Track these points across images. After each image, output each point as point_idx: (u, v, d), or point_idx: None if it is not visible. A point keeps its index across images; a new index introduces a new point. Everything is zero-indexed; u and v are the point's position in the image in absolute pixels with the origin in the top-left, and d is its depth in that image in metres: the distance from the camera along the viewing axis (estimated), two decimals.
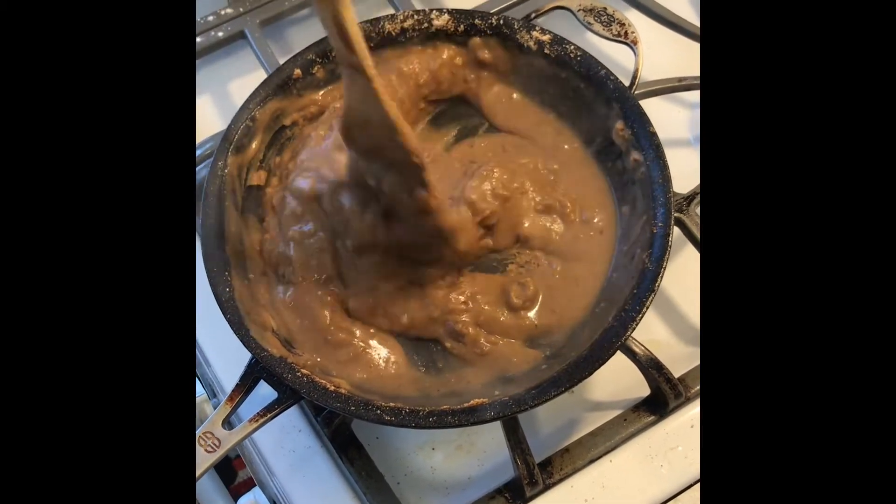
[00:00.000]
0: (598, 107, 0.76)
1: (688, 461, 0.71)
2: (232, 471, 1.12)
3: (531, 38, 0.77)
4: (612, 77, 0.74)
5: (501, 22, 0.78)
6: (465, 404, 0.63)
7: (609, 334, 0.65)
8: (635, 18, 0.84)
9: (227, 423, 0.63)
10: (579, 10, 0.80)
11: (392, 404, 0.63)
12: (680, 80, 0.84)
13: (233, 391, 0.65)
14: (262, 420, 0.63)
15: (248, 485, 0.83)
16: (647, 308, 0.65)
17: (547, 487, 0.71)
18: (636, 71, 0.76)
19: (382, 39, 0.79)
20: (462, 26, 0.79)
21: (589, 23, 0.79)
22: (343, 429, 0.73)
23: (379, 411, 0.63)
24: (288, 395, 0.65)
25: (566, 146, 0.78)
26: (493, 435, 0.74)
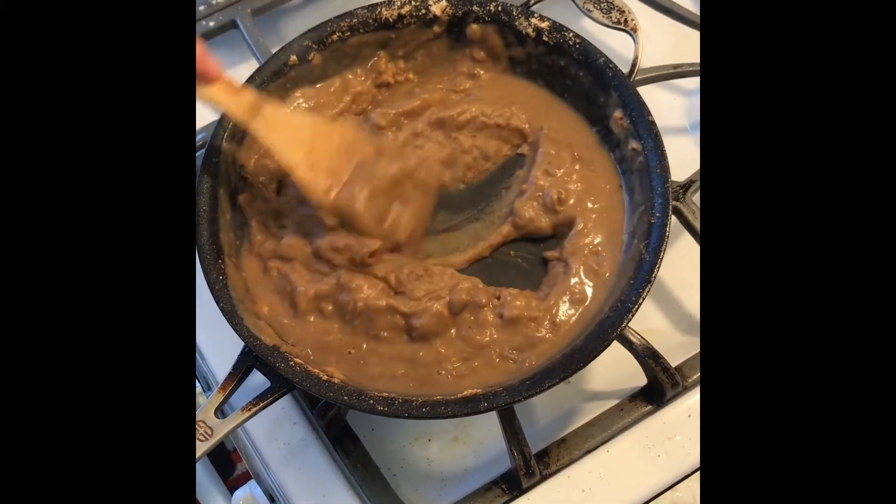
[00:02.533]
0: (596, 95, 0.76)
1: (685, 451, 0.71)
2: (230, 463, 1.12)
3: (529, 24, 0.77)
4: (611, 65, 0.74)
5: (500, 9, 0.77)
6: (459, 395, 0.63)
7: (604, 325, 0.65)
8: (630, 4, 0.83)
9: (220, 412, 0.63)
10: None
11: (385, 394, 0.63)
12: (676, 66, 0.84)
13: (225, 380, 0.65)
14: (254, 409, 0.63)
15: (248, 477, 0.83)
16: (644, 299, 0.64)
17: (543, 478, 0.71)
18: (636, 59, 0.76)
19: (379, 25, 0.78)
20: (460, 13, 0.78)
21: (588, 10, 0.79)
22: (338, 421, 0.72)
23: (372, 401, 0.62)
24: (281, 384, 0.64)
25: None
26: (489, 426, 0.73)
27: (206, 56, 0.66)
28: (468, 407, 0.62)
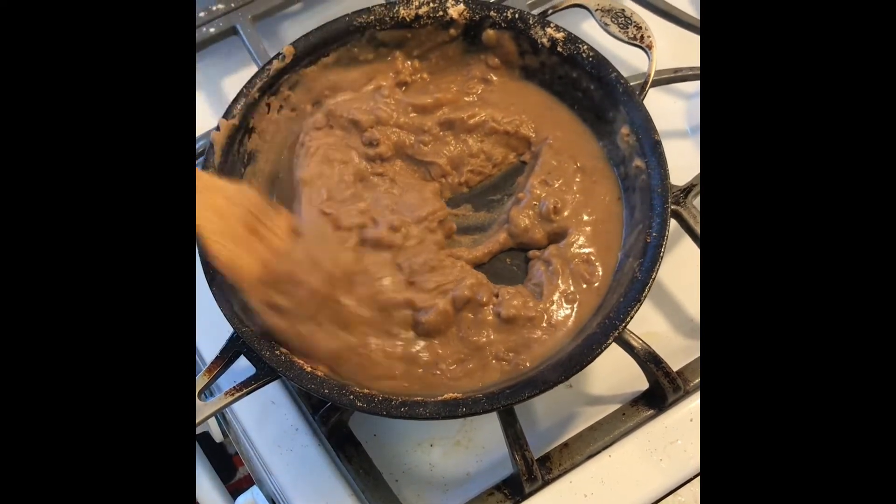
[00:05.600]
0: (605, 109, 0.76)
1: (687, 455, 0.71)
2: (232, 468, 1.12)
3: (545, 34, 0.77)
4: (622, 80, 0.74)
5: (517, 16, 0.77)
6: (439, 397, 0.64)
7: (590, 341, 0.65)
8: (631, 8, 0.83)
9: (204, 395, 0.64)
10: (597, 10, 0.79)
11: (366, 391, 0.64)
12: (676, 70, 0.84)
13: (212, 363, 0.66)
14: (238, 394, 0.64)
15: (249, 481, 0.83)
16: (632, 318, 0.65)
17: (546, 483, 0.71)
18: (648, 76, 0.76)
19: (396, 24, 0.78)
20: (477, 17, 0.78)
21: (606, 23, 0.78)
22: (340, 426, 0.72)
23: (352, 396, 0.63)
24: (265, 371, 0.65)
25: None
26: (491, 430, 0.74)
27: None
28: (446, 410, 0.63)
